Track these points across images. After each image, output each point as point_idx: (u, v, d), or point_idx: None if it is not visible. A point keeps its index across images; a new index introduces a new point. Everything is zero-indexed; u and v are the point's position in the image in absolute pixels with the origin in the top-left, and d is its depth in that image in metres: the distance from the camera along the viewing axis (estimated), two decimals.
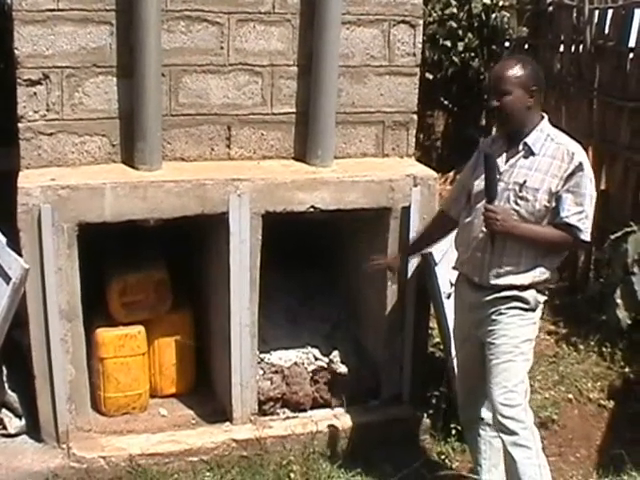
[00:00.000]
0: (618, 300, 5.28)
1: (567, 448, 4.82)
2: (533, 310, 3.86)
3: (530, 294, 3.82)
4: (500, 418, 3.75)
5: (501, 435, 3.78)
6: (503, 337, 3.82)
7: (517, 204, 3.76)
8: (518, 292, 3.81)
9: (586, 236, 3.72)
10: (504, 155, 3.84)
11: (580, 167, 3.67)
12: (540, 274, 3.82)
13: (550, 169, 3.71)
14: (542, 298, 3.89)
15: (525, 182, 3.73)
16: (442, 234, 4.36)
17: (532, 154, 3.76)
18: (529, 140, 3.78)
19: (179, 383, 4.95)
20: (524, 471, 3.71)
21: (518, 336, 3.82)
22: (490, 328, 3.86)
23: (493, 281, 3.84)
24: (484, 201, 3.80)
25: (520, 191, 3.74)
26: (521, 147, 3.80)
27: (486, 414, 4.14)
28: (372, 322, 5.03)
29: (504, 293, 3.83)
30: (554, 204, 3.71)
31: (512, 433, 3.72)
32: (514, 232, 3.74)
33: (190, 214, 4.33)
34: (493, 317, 3.85)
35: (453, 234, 4.17)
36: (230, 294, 4.43)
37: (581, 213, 3.68)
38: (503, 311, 3.83)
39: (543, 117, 3.84)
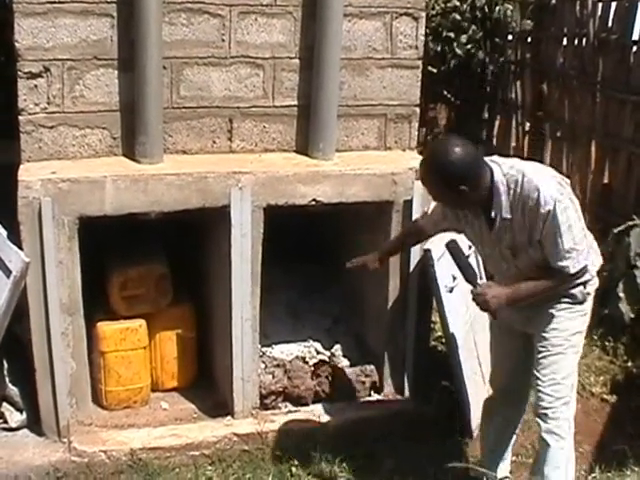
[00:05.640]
0: (621, 294, 5.27)
1: None
2: (581, 302, 3.79)
3: (577, 290, 3.76)
4: (544, 406, 3.74)
5: (539, 421, 3.77)
6: (553, 330, 3.77)
7: (517, 266, 3.71)
8: (562, 292, 3.76)
9: (575, 267, 3.58)
10: (486, 224, 3.71)
11: (548, 214, 3.49)
12: (582, 275, 3.73)
13: (526, 225, 3.57)
14: (591, 288, 3.81)
15: (514, 252, 3.67)
16: (415, 244, 4.50)
17: (505, 218, 3.60)
18: (495, 208, 3.60)
19: (180, 377, 4.94)
20: (552, 457, 3.74)
21: (568, 329, 3.78)
22: (539, 321, 3.79)
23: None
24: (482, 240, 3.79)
25: (513, 258, 3.69)
26: (493, 216, 3.64)
27: (514, 412, 4.17)
28: (374, 316, 5.02)
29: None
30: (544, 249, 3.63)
31: (550, 421, 3.73)
32: (510, 301, 3.68)
33: (191, 207, 4.32)
34: (541, 312, 3.79)
35: None
36: (231, 288, 4.42)
37: (560, 252, 3.54)
38: (551, 305, 3.77)
39: (492, 171, 3.58)
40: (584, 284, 3.76)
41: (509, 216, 3.59)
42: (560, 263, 3.56)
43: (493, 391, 4.28)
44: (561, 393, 3.75)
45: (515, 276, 3.72)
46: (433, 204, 4.08)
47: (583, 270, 3.65)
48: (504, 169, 3.60)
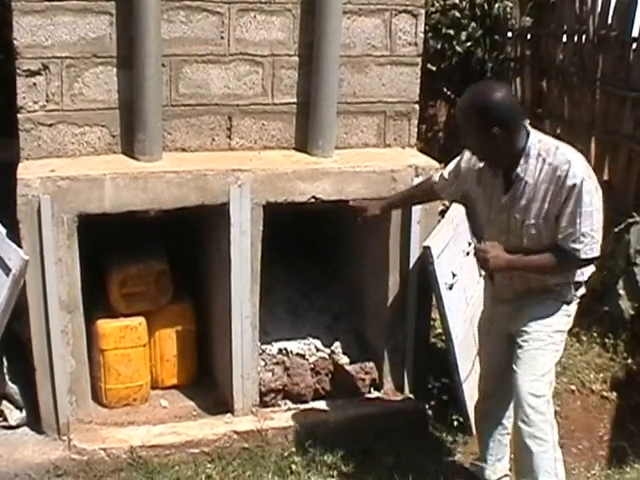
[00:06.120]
0: (621, 291, 5.27)
1: (569, 440, 4.80)
2: (568, 303, 3.79)
3: (567, 289, 3.77)
4: (524, 406, 3.69)
5: (520, 425, 3.71)
6: (536, 325, 3.76)
7: (522, 238, 3.67)
8: (552, 287, 3.76)
9: (586, 254, 3.54)
10: (502, 186, 3.70)
11: (573, 188, 3.47)
12: (572, 276, 3.75)
13: (547, 196, 3.55)
14: (579, 293, 3.82)
15: (525, 219, 3.62)
16: (420, 202, 4.52)
17: (527, 183, 3.59)
18: (520, 170, 3.59)
19: (180, 374, 4.94)
20: (539, 463, 3.69)
21: (551, 325, 3.76)
22: (523, 316, 3.79)
23: (523, 292, 3.82)
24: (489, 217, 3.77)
25: (522, 227, 3.65)
26: (514, 178, 3.62)
27: (502, 413, 4.16)
28: (374, 313, 5.02)
29: (537, 291, 3.79)
30: (556, 227, 3.59)
31: (532, 424, 3.67)
32: (510, 266, 3.67)
33: (191, 205, 4.32)
34: (526, 307, 3.80)
35: None
36: (231, 285, 4.42)
37: (575, 233, 3.51)
38: (537, 301, 3.77)
39: (528, 134, 3.63)
40: (576, 286, 3.78)
41: (532, 181, 3.57)
42: (572, 245, 3.53)
43: (480, 395, 4.28)
44: (540, 390, 3.70)
45: (514, 250, 3.68)
46: (447, 168, 4.09)
47: (592, 260, 3.62)
48: (540, 136, 3.64)
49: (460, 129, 3.69)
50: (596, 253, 3.58)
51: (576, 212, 3.49)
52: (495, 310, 4.01)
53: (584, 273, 3.78)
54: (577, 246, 3.53)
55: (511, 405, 4.02)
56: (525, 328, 3.78)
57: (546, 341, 3.76)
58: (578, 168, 3.50)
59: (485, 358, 4.20)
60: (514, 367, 3.78)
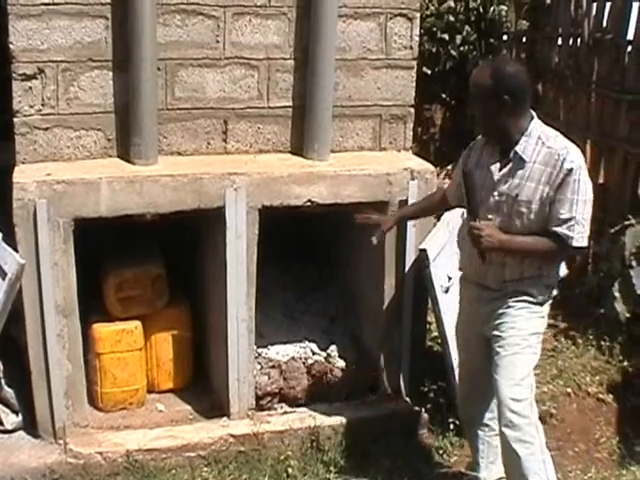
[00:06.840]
0: (616, 293, 5.27)
1: (565, 442, 4.81)
2: (541, 304, 3.81)
3: (540, 290, 3.78)
4: (507, 412, 3.69)
5: (505, 430, 3.71)
6: (511, 329, 3.77)
7: (511, 217, 3.69)
8: (526, 287, 3.77)
9: (578, 242, 3.59)
10: (497, 163, 3.74)
11: (570, 173, 3.54)
12: (547, 272, 3.76)
13: (542, 177, 3.60)
14: (552, 294, 3.84)
15: (517, 195, 3.64)
16: (435, 212, 4.56)
17: (524, 162, 3.64)
18: (519, 148, 3.65)
19: (176, 378, 4.94)
20: (528, 467, 3.68)
21: (526, 328, 3.78)
22: (498, 321, 3.81)
23: (497, 286, 3.82)
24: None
25: (513, 205, 3.67)
26: (512, 155, 3.68)
27: (485, 415, 4.15)
28: (370, 316, 5.02)
29: (511, 288, 3.79)
30: (548, 211, 3.62)
31: (517, 428, 3.67)
32: (502, 247, 3.68)
33: (186, 209, 4.32)
34: (500, 310, 3.80)
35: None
36: (227, 289, 4.42)
37: (570, 220, 3.56)
38: (511, 304, 3.78)
39: (532, 117, 3.69)
40: (549, 288, 3.80)
41: (528, 160, 3.63)
42: (567, 232, 3.58)
43: (461, 399, 4.29)
44: (522, 395, 3.71)
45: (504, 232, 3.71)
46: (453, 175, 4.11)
47: (580, 250, 3.68)
48: (541, 123, 3.72)
49: (471, 98, 3.79)
50: (585, 243, 3.64)
51: (573, 199, 3.56)
52: (470, 312, 4.02)
53: (558, 273, 3.82)
54: (570, 233, 3.58)
55: (494, 406, 4.01)
56: (500, 333, 3.80)
57: (522, 345, 3.77)
58: (575, 155, 3.60)
59: (462, 361, 4.21)
60: (493, 374, 3.79)
